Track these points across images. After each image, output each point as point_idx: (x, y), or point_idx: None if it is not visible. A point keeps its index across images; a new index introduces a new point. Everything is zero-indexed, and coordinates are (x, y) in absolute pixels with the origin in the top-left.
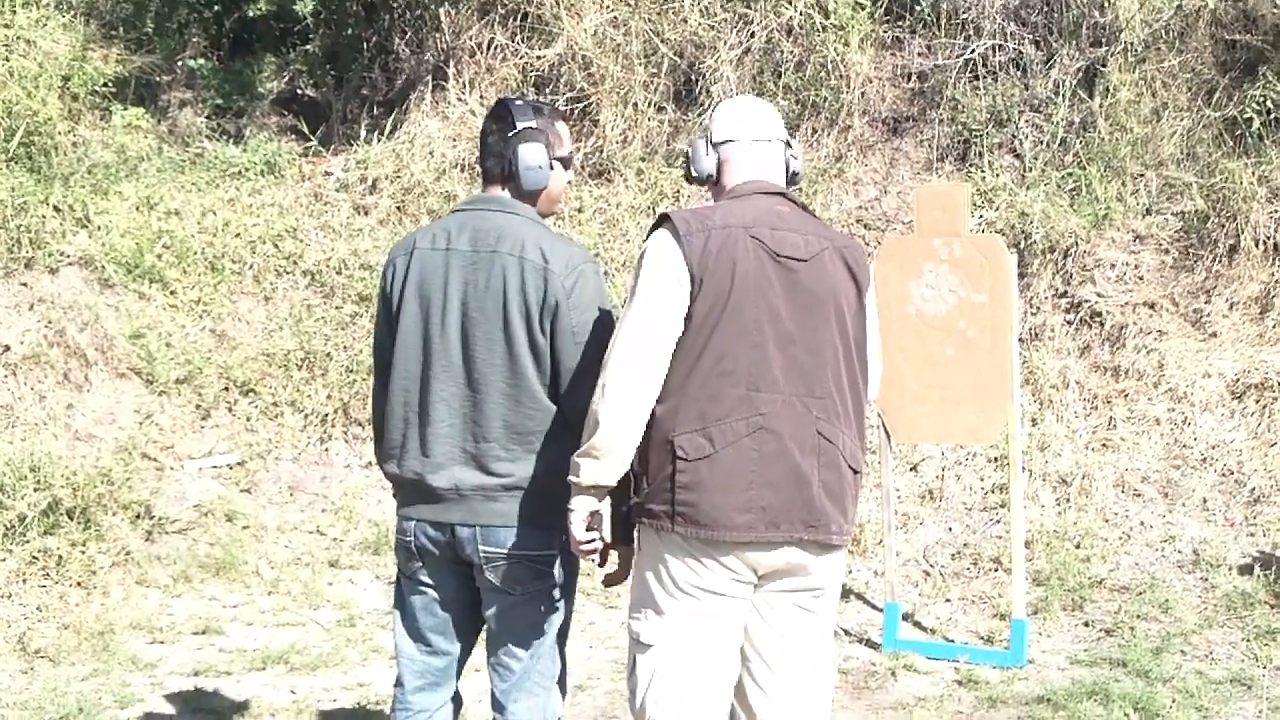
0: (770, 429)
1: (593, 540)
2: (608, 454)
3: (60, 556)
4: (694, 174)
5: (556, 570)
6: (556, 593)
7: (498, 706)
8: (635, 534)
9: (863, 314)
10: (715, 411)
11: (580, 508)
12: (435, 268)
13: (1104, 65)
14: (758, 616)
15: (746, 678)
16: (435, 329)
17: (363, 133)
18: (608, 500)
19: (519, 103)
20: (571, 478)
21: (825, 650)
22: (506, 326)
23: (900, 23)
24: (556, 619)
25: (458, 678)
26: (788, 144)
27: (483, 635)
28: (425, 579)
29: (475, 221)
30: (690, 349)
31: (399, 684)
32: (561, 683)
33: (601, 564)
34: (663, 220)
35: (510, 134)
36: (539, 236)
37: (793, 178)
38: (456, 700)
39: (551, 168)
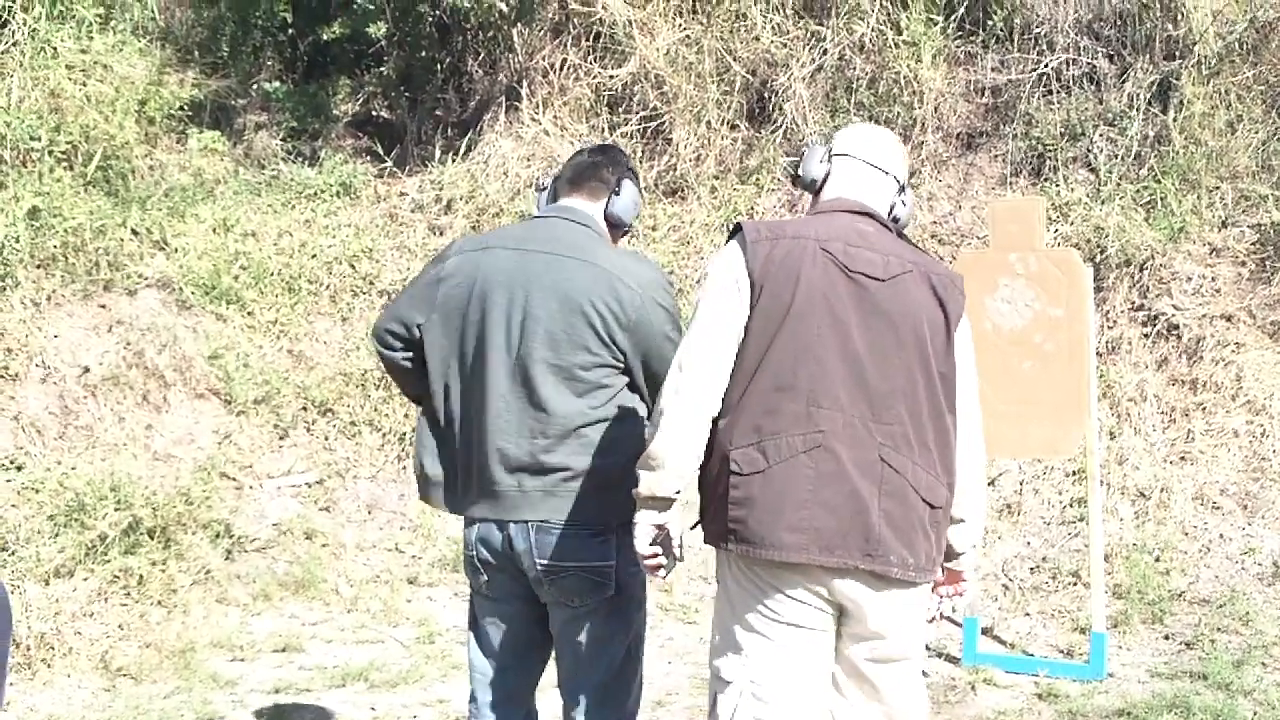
0: (828, 448)
1: (655, 555)
2: (662, 464)
3: (141, 575)
4: (800, 175)
5: (617, 582)
6: (619, 605)
7: None
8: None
9: (951, 348)
10: (771, 426)
11: (643, 520)
12: (502, 266)
13: (1178, 78)
14: (841, 655)
15: (831, 713)
16: (498, 325)
17: (437, 153)
18: (675, 514)
19: (627, 152)
20: (633, 490)
21: (914, 690)
22: (573, 328)
23: (973, 38)
24: (623, 631)
25: (532, 694)
26: (902, 188)
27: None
28: (492, 594)
29: (551, 227)
30: (749, 360)
31: (473, 700)
32: (635, 696)
33: (664, 577)
34: (735, 229)
35: (623, 169)
36: (613, 252)
37: (894, 221)
38: (530, 717)
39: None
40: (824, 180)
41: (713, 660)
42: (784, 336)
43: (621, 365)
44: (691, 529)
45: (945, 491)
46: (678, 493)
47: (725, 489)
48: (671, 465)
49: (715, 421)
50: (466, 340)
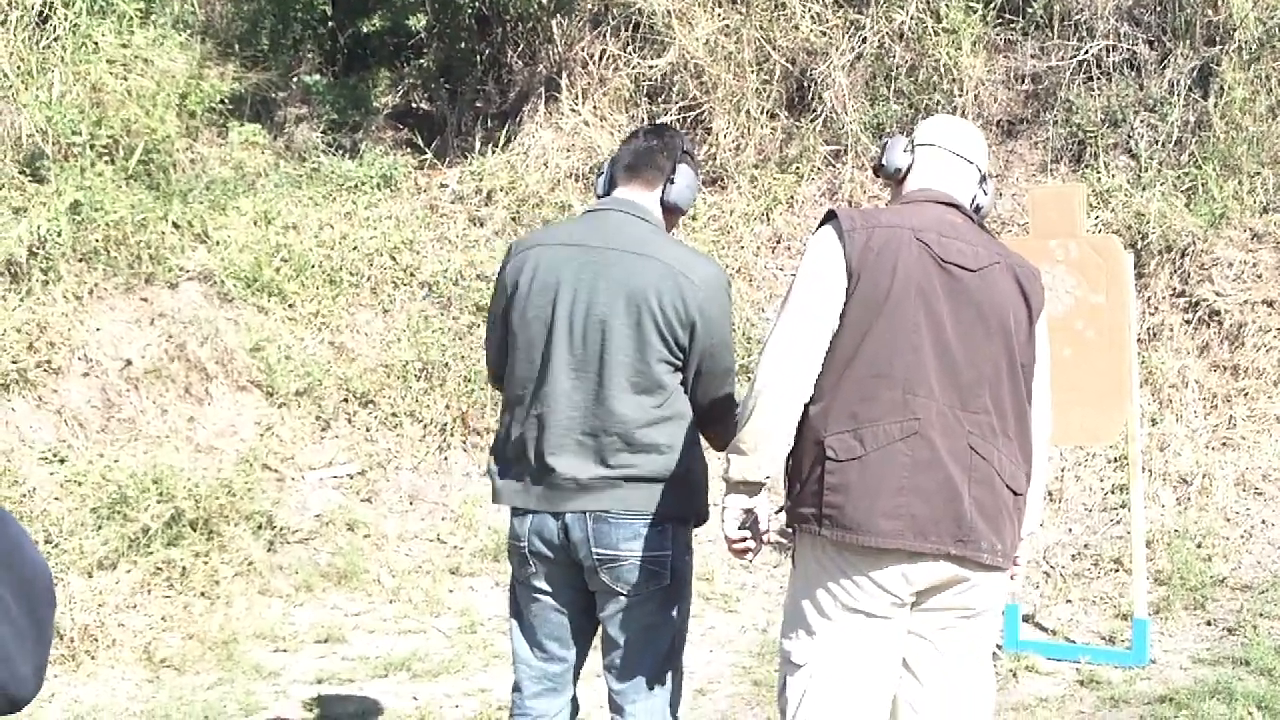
0: (924, 435)
1: (744, 539)
2: (755, 449)
3: (184, 567)
4: (883, 165)
5: (671, 571)
6: (671, 594)
7: (616, 709)
8: (792, 543)
9: (1032, 340)
10: (868, 413)
11: (733, 505)
12: (564, 262)
13: (1218, 64)
14: (914, 635)
15: (899, 696)
16: (561, 322)
17: (477, 145)
18: (764, 498)
19: (683, 132)
20: (722, 474)
21: (984, 671)
22: (639, 326)
23: (1013, 25)
24: (672, 620)
25: (575, 683)
26: (984, 178)
27: (598, 639)
28: (539, 585)
29: (610, 221)
30: (845, 348)
31: (517, 689)
32: (678, 684)
33: (751, 560)
34: (829, 216)
35: (678, 152)
36: (674, 246)
37: (977, 210)
38: (574, 705)
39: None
40: (908, 170)
41: (783, 642)
42: (881, 325)
43: (680, 362)
44: (777, 513)
45: (1024, 480)
46: (768, 478)
47: (820, 474)
48: (764, 450)
49: (806, 407)
50: (533, 338)
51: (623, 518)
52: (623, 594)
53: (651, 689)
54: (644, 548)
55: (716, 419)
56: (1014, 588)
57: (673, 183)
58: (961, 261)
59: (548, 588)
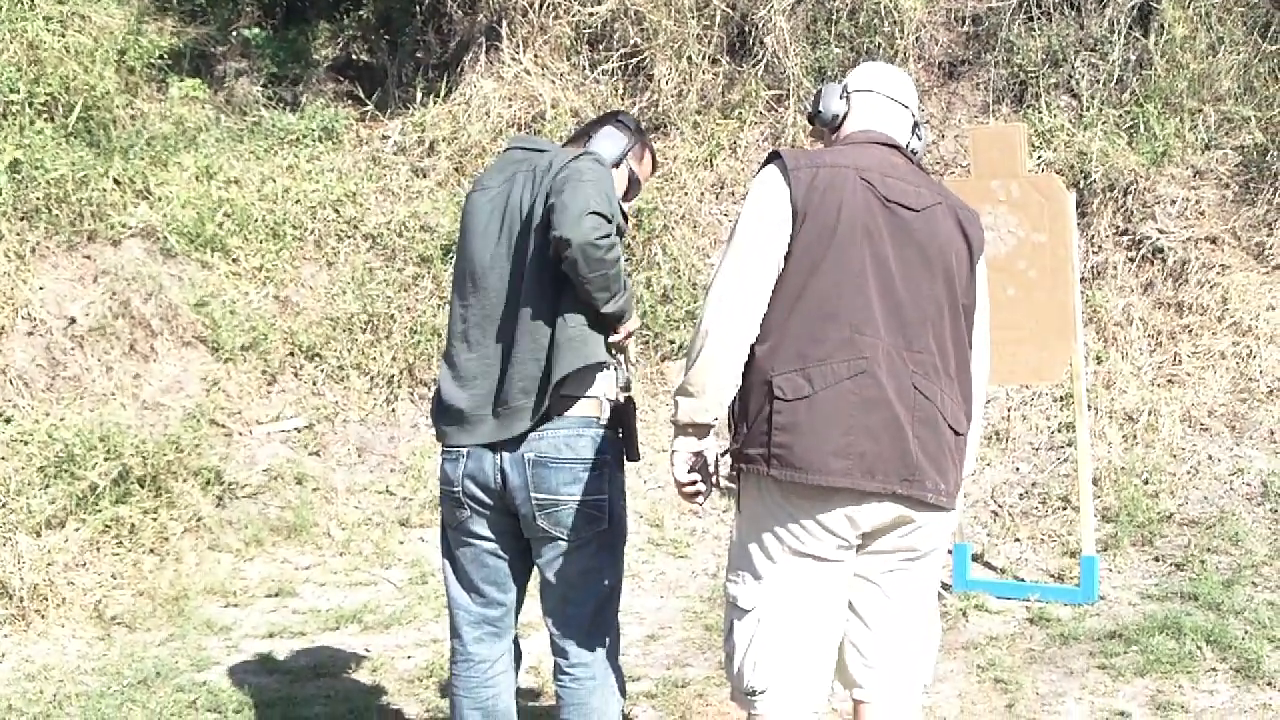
0: (872, 374)
1: (693, 482)
2: (703, 390)
3: (133, 524)
4: (819, 113)
5: (608, 513)
6: (609, 537)
7: (559, 652)
8: (737, 486)
9: (973, 281)
10: (816, 352)
11: (682, 448)
12: (477, 208)
13: (1158, 2)
14: (859, 577)
15: (845, 639)
16: (474, 264)
17: (418, 96)
18: (712, 441)
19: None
20: (670, 418)
21: (929, 613)
22: (525, 237)
23: None
24: (611, 563)
25: (515, 624)
26: (917, 124)
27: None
28: (475, 529)
29: (509, 159)
30: (791, 287)
31: (456, 635)
32: (617, 628)
33: (701, 504)
34: (772, 157)
35: (609, 119)
36: (556, 152)
37: (911, 155)
38: (516, 648)
39: (631, 178)
40: (843, 117)
41: (729, 586)
42: (827, 265)
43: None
44: (723, 455)
45: (965, 420)
46: (716, 420)
47: (769, 414)
48: (712, 392)
49: (752, 347)
50: (456, 285)
51: (560, 462)
52: (561, 539)
53: (594, 631)
54: (583, 491)
55: (601, 280)
56: (956, 526)
57: (590, 138)
58: (905, 201)
59: (483, 532)
